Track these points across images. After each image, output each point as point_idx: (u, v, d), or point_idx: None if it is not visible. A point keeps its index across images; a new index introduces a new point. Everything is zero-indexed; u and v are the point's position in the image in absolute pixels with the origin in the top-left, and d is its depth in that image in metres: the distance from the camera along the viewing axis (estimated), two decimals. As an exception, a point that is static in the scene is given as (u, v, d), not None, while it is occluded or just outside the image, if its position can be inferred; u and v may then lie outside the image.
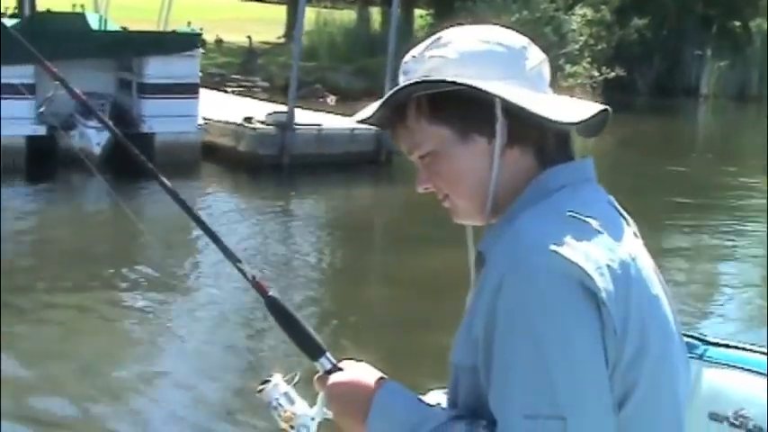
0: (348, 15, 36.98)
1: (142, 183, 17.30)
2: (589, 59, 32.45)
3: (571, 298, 1.44)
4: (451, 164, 1.61)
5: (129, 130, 17.92)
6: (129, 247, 13.35)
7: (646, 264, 1.56)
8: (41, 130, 17.40)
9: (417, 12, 39.26)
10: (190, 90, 18.64)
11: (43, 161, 17.01)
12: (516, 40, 1.65)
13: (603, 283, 1.44)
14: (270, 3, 60.29)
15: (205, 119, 18.92)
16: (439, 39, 1.63)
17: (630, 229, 1.60)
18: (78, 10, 22.97)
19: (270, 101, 22.80)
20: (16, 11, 26.54)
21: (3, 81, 17.03)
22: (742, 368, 2.16)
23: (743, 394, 2.13)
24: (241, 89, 27.29)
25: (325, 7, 39.66)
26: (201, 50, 20.46)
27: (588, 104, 1.63)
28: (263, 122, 18.43)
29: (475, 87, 1.53)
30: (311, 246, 14.25)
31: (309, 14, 30.21)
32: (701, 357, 2.21)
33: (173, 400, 8.27)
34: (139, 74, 18.62)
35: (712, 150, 25.01)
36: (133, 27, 21.88)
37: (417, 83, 1.58)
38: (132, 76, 18.77)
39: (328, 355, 1.77)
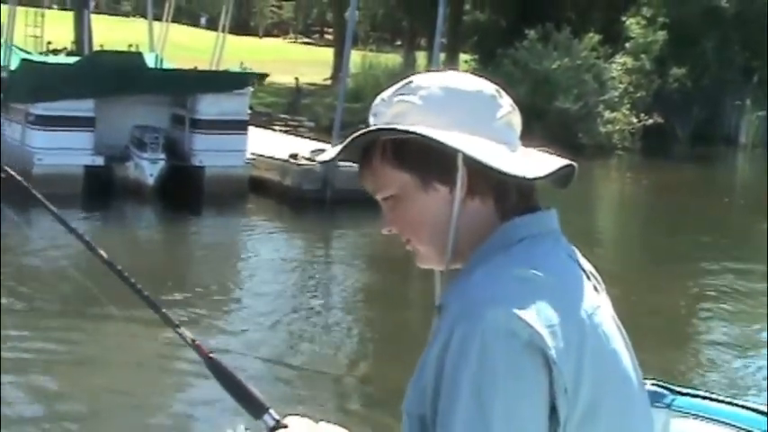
0: (393, 59, 37.70)
1: (192, 212, 18.23)
2: (628, 106, 32.93)
3: (517, 355, 1.44)
4: (413, 210, 1.61)
5: (180, 163, 18.85)
6: (175, 269, 14.15)
7: (604, 318, 1.55)
8: (99, 161, 18.32)
9: (462, 57, 39.96)
10: (239, 126, 19.52)
11: (100, 190, 17.81)
12: (486, 89, 1.64)
13: (554, 342, 1.44)
14: (318, 46, 61.52)
15: (253, 154, 19.72)
16: (409, 83, 1.64)
17: (590, 283, 1.59)
18: (134, 49, 24.02)
19: (315, 139, 23.54)
20: (73, 48, 27.72)
21: (64, 114, 18.06)
22: (709, 418, 2.16)
23: None
24: (288, 128, 28.14)
25: (371, 50, 40.49)
26: (251, 89, 21.28)
27: (553, 159, 1.63)
28: (307, 159, 19.17)
29: (435, 140, 1.54)
30: (351, 274, 14.90)
31: (356, 57, 31.05)
32: (668, 407, 2.20)
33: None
34: (192, 110, 19.52)
35: (746, 197, 25.41)
36: (187, 66, 22.78)
37: (379, 129, 1.60)
38: (185, 111, 19.64)
39: (271, 411, 1.77)
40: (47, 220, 2.27)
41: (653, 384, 2.20)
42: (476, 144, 1.56)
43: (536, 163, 1.60)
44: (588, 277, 1.60)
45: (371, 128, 1.61)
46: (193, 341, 1.88)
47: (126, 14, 59.92)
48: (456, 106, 1.60)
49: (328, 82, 39.49)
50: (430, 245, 1.62)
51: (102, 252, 2.05)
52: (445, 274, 1.63)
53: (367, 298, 13.93)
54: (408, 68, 36.59)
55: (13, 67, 19.95)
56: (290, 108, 32.46)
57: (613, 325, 1.57)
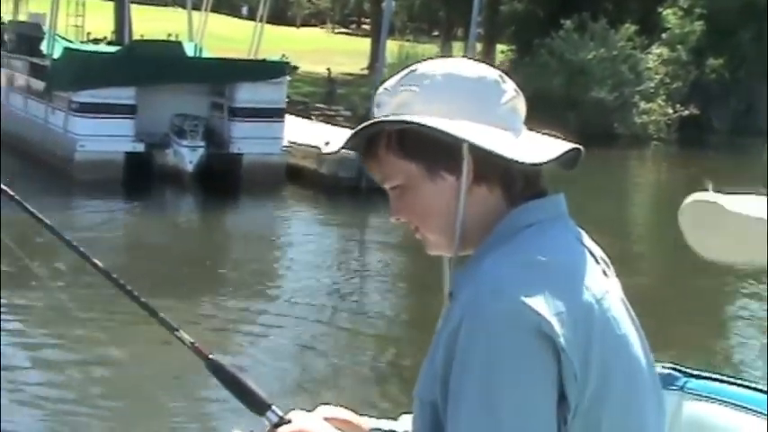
0: (430, 49, 37.80)
1: (230, 199, 18.55)
2: (664, 97, 32.88)
3: (525, 344, 1.44)
4: (420, 199, 1.61)
5: (219, 150, 19.17)
6: (213, 254, 14.46)
7: (613, 302, 1.54)
8: (140, 148, 18.67)
9: (499, 47, 40.00)
10: (276, 114, 19.83)
11: (140, 176, 18.18)
12: (489, 75, 1.63)
13: (562, 329, 1.44)
14: (356, 36, 61.71)
15: (290, 142, 19.99)
16: (412, 72, 1.64)
17: (599, 267, 1.59)
18: (174, 39, 24.35)
19: (351, 128, 23.56)
20: (113, 38, 28.10)
21: (106, 102, 18.43)
22: (722, 401, 2.15)
23: (723, 427, 2.12)
24: (325, 117, 28.40)
25: (408, 41, 40.65)
26: (289, 78, 21.55)
27: (559, 143, 1.62)
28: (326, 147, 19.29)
29: (440, 130, 1.54)
30: (386, 261, 15.11)
31: (392, 47, 31.22)
32: (681, 389, 2.19)
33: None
34: (231, 98, 19.82)
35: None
36: (225, 55, 23.05)
37: (384, 121, 1.60)
38: (224, 100, 19.96)
39: (274, 408, 1.76)
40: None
41: (665, 367, 2.19)
42: (480, 132, 1.55)
43: (542, 147, 1.60)
44: (597, 261, 1.59)
45: (376, 119, 1.61)
46: (192, 344, 1.87)
47: (165, 4, 60.36)
48: (459, 94, 1.60)
49: (365, 72, 39.72)
50: (438, 233, 1.63)
51: (97, 261, 2.05)
52: (454, 260, 1.64)
53: (402, 284, 14.12)
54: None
55: (56, 55, 20.36)
56: (327, 98, 32.72)
57: (623, 309, 1.56)
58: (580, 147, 1.62)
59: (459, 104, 1.59)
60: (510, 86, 1.64)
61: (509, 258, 1.51)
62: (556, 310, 1.45)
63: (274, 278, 13.70)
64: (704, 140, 31.52)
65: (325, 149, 1.74)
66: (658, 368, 2.18)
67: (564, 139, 1.63)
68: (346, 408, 1.84)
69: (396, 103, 1.62)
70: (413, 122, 1.56)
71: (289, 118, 20.71)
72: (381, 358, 10.29)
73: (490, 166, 1.56)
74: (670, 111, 32.49)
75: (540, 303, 1.45)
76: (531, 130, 1.66)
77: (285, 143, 19.79)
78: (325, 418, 1.75)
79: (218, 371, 1.83)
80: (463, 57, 30.31)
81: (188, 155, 18.41)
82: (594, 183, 26.56)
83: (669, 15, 35.14)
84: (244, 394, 1.80)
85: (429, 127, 1.54)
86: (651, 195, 25.70)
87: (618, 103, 31.64)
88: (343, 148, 1.65)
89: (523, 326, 1.44)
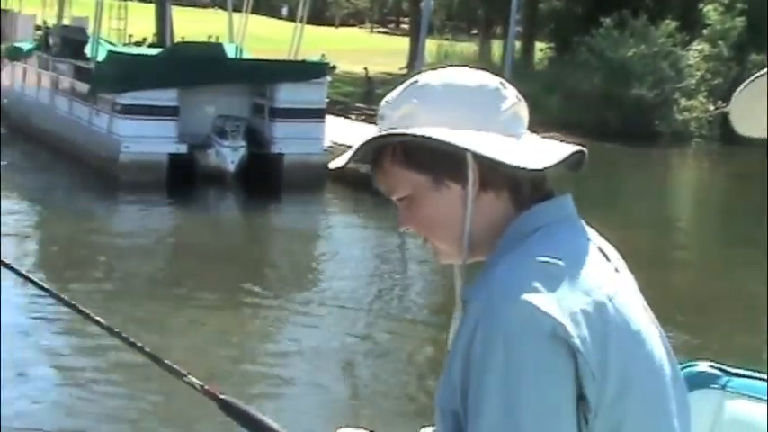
0: (468, 48, 37.87)
1: (271, 198, 18.71)
2: (705, 94, 32.66)
3: (541, 347, 1.45)
4: (427, 209, 1.63)
5: (261, 151, 19.33)
6: (255, 254, 14.60)
7: (627, 300, 1.55)
8: (183, 149, 18.87)
9: (538, 45, 39.93)
10: (317, 115, 19.96)
11: (183, 177, 18.39)
12: (489, 83, 1.65)
13: (577, 331, 1.45)
14: (394, 35, 61.82)
15: (331, 142, 20.09)
16: (414, 83, 1.66)
17: (610, 265, 1.59)
18: (214, 41, 24.53)
19: (390, 128, 23.72)
20: (155, 40, 28.39)
21: (149, 103, 18.65)
22: (764, 399, 2.12)
23: (765, 425, 2.08)
24: (364, 117, 28.52)
25: (447, 40, 40.68)
26: (329, 79, 21.67)
27: (562, 147, 1.64)
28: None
29: (444, 141, 1.56)
30: (428, 260, 15.20)
31: (431, 47, 31.33)
32: (723, 388, 2.17)
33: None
34: (272, 99, 19.97)
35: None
36: (266, 56, 23.22)
37: (386, 135, 1.62)
38: (265, 100, 20.10)
39: None
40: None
41: (707, 365, 2.20)
42: (484, 140, 1.57)
43: (545, 151, 1.61)
44: (608, 259, 1.60)
45: (379, 134, 1.63)
46: (202, 387, 1.92)
47: (205, 6, 60.84)
48: (461, 103, 1.61)
49: (404, 71, 39.78)
50: (447, 242, 1.64)
51: (99, 318, 2.08)
52: (463, 268, 1.66)
53: (445, 284, 14.22)
54: (484, 57, 36.74)
55: (100, 58, 20.63)
56: (366, 97, 32.85)
57: (637, 305, 1.57)
58: (584, 149, 1.63)
59: (461, 114, 1.60)
60: (511, 93, 1.66)
61: (519, 262, 1.52)
62: (569, 311, 1.46)
63: (316, 276, 13.82)
64: (746, 137, 31.23)
65: (332, 165, 1.72)
66: (700, 366, 2.23)
67: (566, 142, 1.65)
68: (365, 429, 1.87)
69: (398, 115, 1.63)
70: (416, 135, 1.58)
71: (329, 118, 20.81)
72: (422, 351, 10.38)
73: (496, 173, 1.58)
74: (711, 107, 32.22)
75: (554, 306, 1.46)
76: (533, 132, 1.68)
77: (326, 143, 19.92)
78: None
79: (231, 409, 1.89)
80: (504, 56, 29.82)
81: (230, 155, 18.60)
82: (636, 181, 26.53)
83: (710, 11, 34.92)
84: (259, 428, 1.86)
85: (432, 138, 1.56)
86: (693, 193, 25.58)
87: (659, 100, 31.48)
88: (347, 163, 1.65)
89: (538, 329, 1.45)
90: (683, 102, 32.04)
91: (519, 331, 1.45)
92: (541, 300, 1.46)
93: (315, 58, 21.67)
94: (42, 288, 2.23)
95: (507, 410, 1.44)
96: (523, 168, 1.55)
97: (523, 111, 1.66)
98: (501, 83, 1.65)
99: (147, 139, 18.44)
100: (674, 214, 21.33)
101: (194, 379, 1.92)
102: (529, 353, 1.45)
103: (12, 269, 2.21)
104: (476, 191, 1.58)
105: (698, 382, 2.18)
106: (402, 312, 11.96)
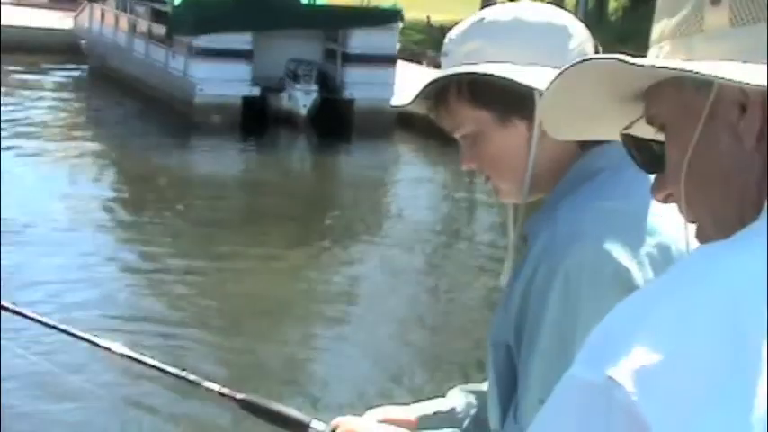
0: (542, -3, 37.48)
1: (342, 142, 18.99)
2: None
3: (602, 289, 1.44)
4: (491, 146, 1.62)
5: (332, 95, 19.58)
6: (325, 196, 14.90)
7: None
8: (256, 92, 19.19)
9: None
10: (388, 60, 20.11)
11: (256, 119, 18.70)
12: (559, 19, 1.63)
13: (640, 272, 1.45)
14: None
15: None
16: (480, 20, 1.64)
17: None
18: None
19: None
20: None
21: (224, 47, 18.98)
22: None
23: None
24: (435, 64, 28.53)
25: (520, -11, 40.23)
26: (401, 25, 21.77)
27: None
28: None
29: (510, 79, 1.55)
30: (495, 205, 15.36)
31: (504, -5, 31.09)
32: None
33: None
34: (344, 44, 20.20)
35: None
36: (338, 2, 23.33)
37: (455, 73, 1.61)
38: (337, 46, 20.35)
39: (313, 424, 1.79)
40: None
41: None
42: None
43: None
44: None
45: (447, 72, 1.62)
46: (220, 393, 1.91)
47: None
48: (528, 40, 1.59)
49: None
50: (509, 180, 1.63)
51: (108, 344, 2.08)
52: (523, 207, 1.65)
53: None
54: (557, 5, 36.35)
55: (177, 2, 20.95)
56: (437, 45, 32.78)
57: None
58: None
59: (528, 51, 1.58)
60: (579, 29, 1.63)
61: (586, 203, 1.52)
62: (633, 254, 1.47)
63: (384, 220, 14.08)
64: None
65: (394, 102, 1.72)
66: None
67: None
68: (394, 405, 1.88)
69: (464, 52, 1.61)
70: (484, 73, 1.57)
71: (400, 64, 20.93)
72: (489, 297, 10.64)
73: None
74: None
75: (618, 249, 1.46)
76: None
77: (397, 89, 20.02)
78: (379, 421, 1.78)
79: (252, 407, 1.87)
80: (575, 3, 29.32)
81: (302, 99, 18.86)
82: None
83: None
84: (282, 419, 1.84)
85: (500, 77, 1.56)
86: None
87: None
88: (414, 100, 1.64)
89: (601, 271, 1.46)
90: None
91: (579, 272, 1.46)
92: (605, 242, 1.46)
93: (387, 4, 21.76)
94: (48, 325, 2.19)
95: (561, 343, 1.46)
96: None
97: (590, 48, 1.63)
98: (570, 20, 1.64)
99: (221, 82, 18.77)
100: None
101: (213, 384, 1.92)
102: (588, 293, 1.46)
103: (14, 312, 2.16)
104: (541, 129, 1.53)
105: None
106: (469, 258, 12.16)
